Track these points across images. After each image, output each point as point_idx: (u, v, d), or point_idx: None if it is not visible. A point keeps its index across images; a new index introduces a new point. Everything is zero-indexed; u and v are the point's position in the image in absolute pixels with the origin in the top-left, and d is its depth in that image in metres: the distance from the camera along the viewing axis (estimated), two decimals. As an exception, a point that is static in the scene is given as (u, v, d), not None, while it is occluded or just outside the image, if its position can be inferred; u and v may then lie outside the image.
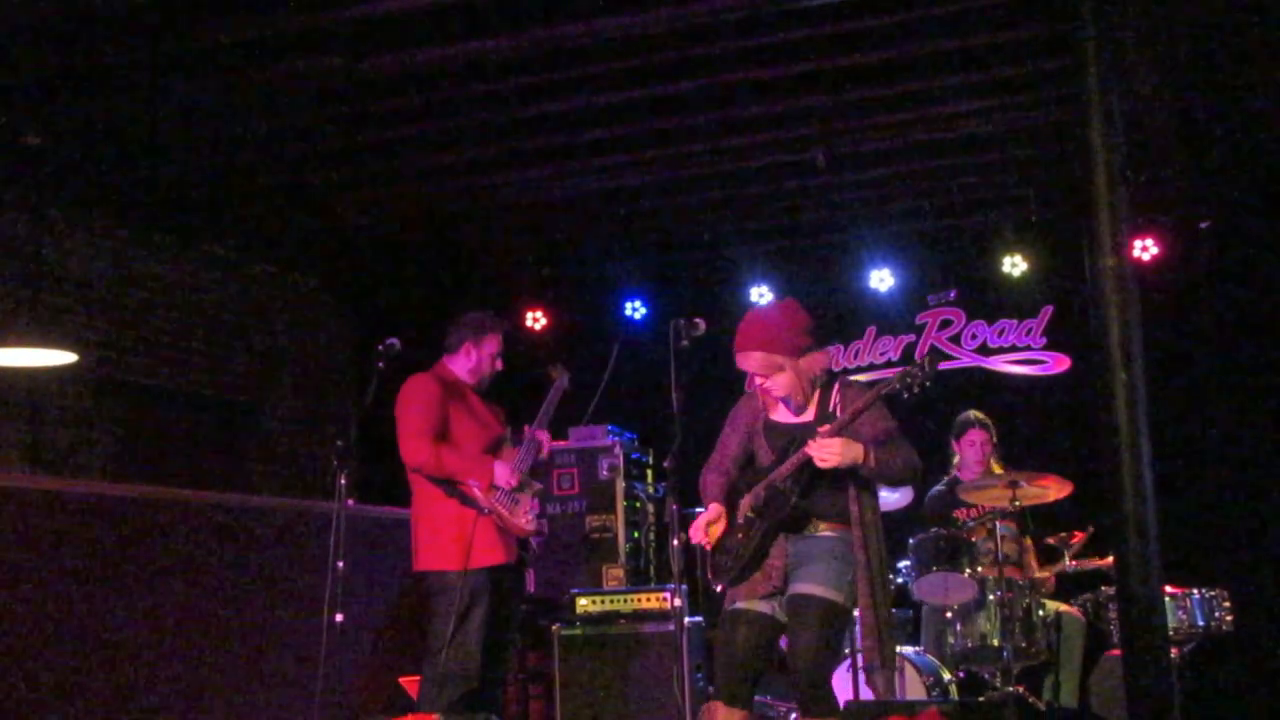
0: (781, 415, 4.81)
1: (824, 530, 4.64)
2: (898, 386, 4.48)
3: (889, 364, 9.27)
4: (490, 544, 5.62)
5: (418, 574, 5.72)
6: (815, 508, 4.64)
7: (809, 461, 4.52)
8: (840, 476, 4.57)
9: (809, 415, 4.72)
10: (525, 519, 5.72)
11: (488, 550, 5.61)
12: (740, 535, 4.71)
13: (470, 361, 5.92)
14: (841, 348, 9.41)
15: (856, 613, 4.66)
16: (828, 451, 4.44)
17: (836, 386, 4.73)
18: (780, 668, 4.85)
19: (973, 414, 7.23)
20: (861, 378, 8.05)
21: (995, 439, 7.21)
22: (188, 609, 6.00)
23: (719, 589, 4.81)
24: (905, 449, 4.59)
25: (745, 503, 4.75)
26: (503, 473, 5.67)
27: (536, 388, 6.15)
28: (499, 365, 5.99)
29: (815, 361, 4.72)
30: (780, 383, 4.70)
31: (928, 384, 4.46)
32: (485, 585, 5.59)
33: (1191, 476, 8.14)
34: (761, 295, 9.47)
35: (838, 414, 4.62)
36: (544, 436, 5.96)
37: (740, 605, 4.66)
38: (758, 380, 4.74)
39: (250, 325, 9.73)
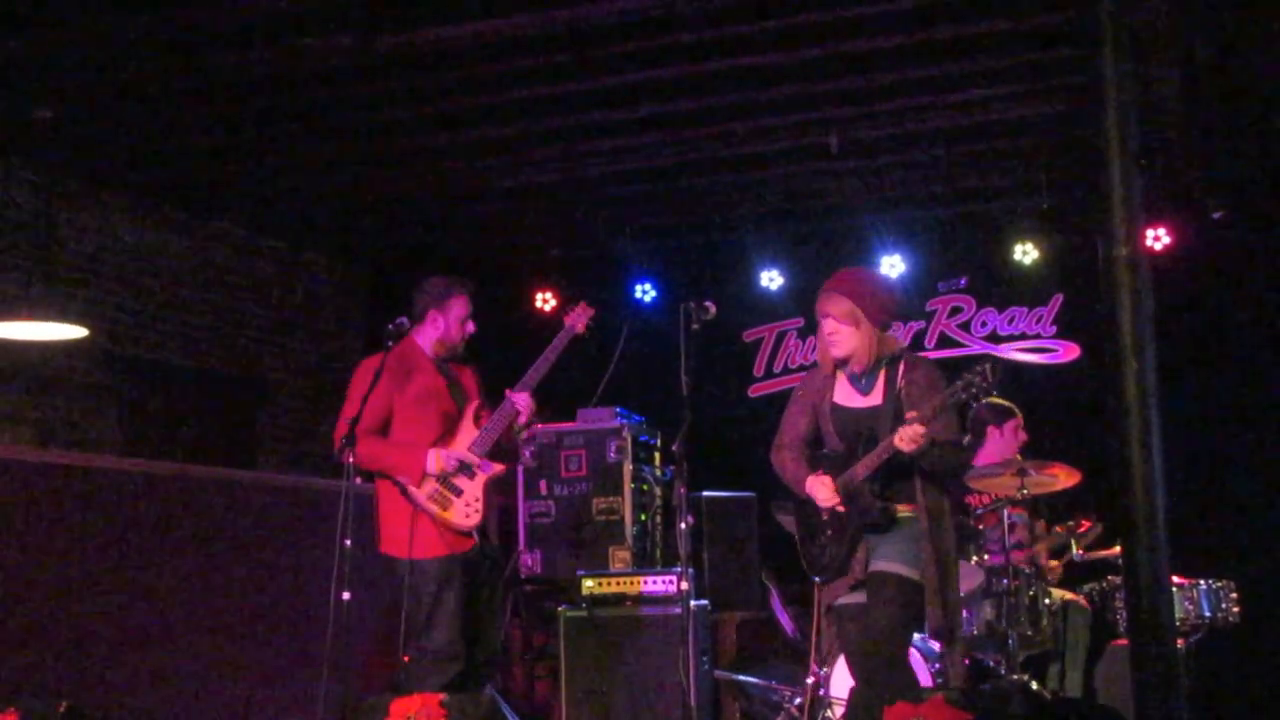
0: (845, 397, 4.76)
1: (899, 513, 4.65)
2: (963, 396, 4.42)
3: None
4: (431, 537, 5.33)
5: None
6: (890, 496, 4.66)
7: (889, 459, 4.51)
8: (909, 464, 4.58)
9: (876, 398, 4.70)
10: (462, 514, 5.32)
11: (430, 543, 5.33)
12: (830, 532, 4.71)
13: (438, 331, 5.59)
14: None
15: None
16: (913, 440, 4.40)
17: (903, 366, 4.69)
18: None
19: (1009, 403, 7.12)
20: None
21: None
22: (195, 584, 6.02)
23: (816, 582, 4.86)
24: (959, 454, 4.72)
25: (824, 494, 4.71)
26: (434, 461, 5.32)
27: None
28: (470, 328, 5.64)
29: (887, 341, 4.72)
30: (847, 337, 4.67)
31: (993, 392, 4.43)
32: (444, 571, 5.31)
33: (1201, 466, 8.11)
34: (771, 280, 9.45)
35: (903, 395, 4.59)
36: (523, 401, 5.47)
37: (841, 601, 4.74)
38: (827, 327, 4.69)
39: (261, 302, 9.74)
